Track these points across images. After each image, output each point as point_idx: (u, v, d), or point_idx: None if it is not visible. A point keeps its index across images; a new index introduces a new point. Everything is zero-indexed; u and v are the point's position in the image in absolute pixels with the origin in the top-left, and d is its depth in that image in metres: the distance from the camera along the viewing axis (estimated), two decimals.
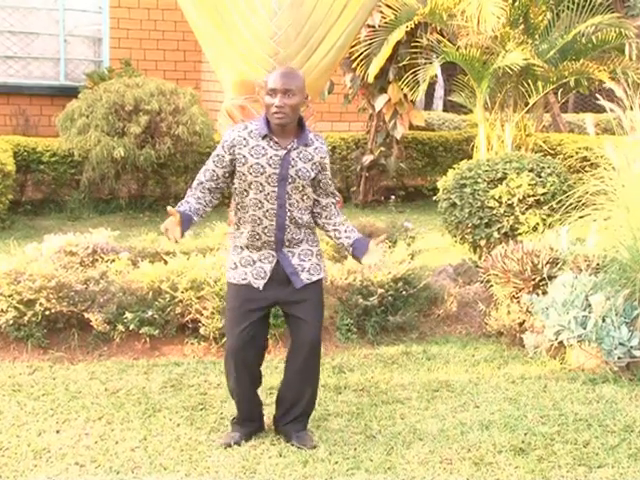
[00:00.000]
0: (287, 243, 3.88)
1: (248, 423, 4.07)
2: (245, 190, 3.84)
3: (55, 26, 11.51)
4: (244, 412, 4.06)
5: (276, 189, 3.79)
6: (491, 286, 5.85)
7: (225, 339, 4.07)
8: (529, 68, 8.47)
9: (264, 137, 3.80)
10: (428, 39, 9.39)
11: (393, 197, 10.36)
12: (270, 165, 3.78)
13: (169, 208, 3.72)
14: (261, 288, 3.86)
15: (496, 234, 6.76)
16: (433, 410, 4.45)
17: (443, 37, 9.31)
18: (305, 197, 3.89)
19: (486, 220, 6.85)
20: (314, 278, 3.91)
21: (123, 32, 11.57)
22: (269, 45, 5.64)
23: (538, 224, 6.60)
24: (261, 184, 3.79)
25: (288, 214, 3.84)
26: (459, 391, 4.73)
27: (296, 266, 3.89)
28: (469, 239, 7.01)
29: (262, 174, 3.78)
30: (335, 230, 4.03)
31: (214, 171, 3.87)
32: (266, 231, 3.84)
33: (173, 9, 10.78)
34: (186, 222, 3.77)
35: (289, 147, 3.81)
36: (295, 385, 4.01)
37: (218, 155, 3.86)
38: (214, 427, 4.18)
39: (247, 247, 3.89)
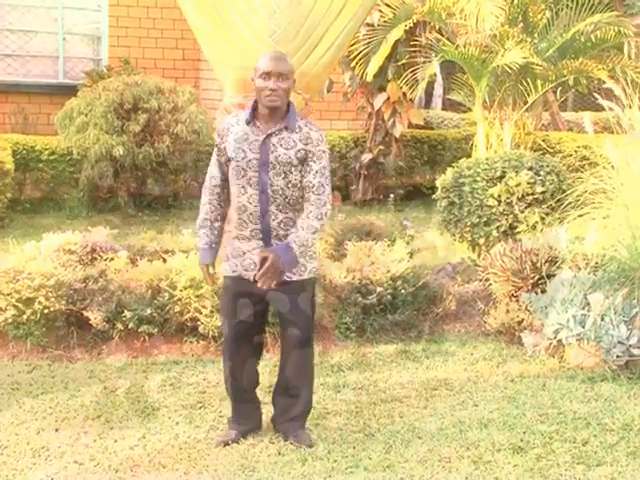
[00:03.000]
0: (274, 233, 3.85)
1: (244, 421, 4.06)
2: (233, 177, 3.87)
3: (54, 24, 11.49)
4: (239, 410, 4.06)
5: (257, 174, 3.81)
6: (490, 285, 5.84)
7: (223, 338, 4.07)
8: (528, 67, 8.48)
9: (248, 123, 3.84)
10: (427, 38, 9.39)
11: (392, 195, 10.35)
12: (251, 150, 3.81)
13: (204, 269, 4.01)
14: (251, 279, 3.86)
15: (495, 233, 6.76)
16: (432, 409, 4.45)
17: (442, 36, 9.31)
18: (290, 185, 3.82)
19: (485, 219, 6.84)
20: (294, 278, 3.86)
21: (122, 30, 11.55)
22: (268, 43, 5.63)
23: (537, 223, 6.59)
24: (243, 169, 3.82)
25: (271, 200, 3.82)
26: (458, 390, 4.73)
27: None
28: (468, 238, 7.00)
29: (243, 159, 3.82)
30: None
31: (218, 161, 3.96)
32: (251, 218, 3.85)
33: (172, 7, 10.73)
34: (213, 255, 4.00)
35: (269, 132, 3.82)
36: (289, 386, 4.00)
37: (216, 145, 3.96)
38: (213, 425, 4.18)
39: (237, 237, 3.91)
